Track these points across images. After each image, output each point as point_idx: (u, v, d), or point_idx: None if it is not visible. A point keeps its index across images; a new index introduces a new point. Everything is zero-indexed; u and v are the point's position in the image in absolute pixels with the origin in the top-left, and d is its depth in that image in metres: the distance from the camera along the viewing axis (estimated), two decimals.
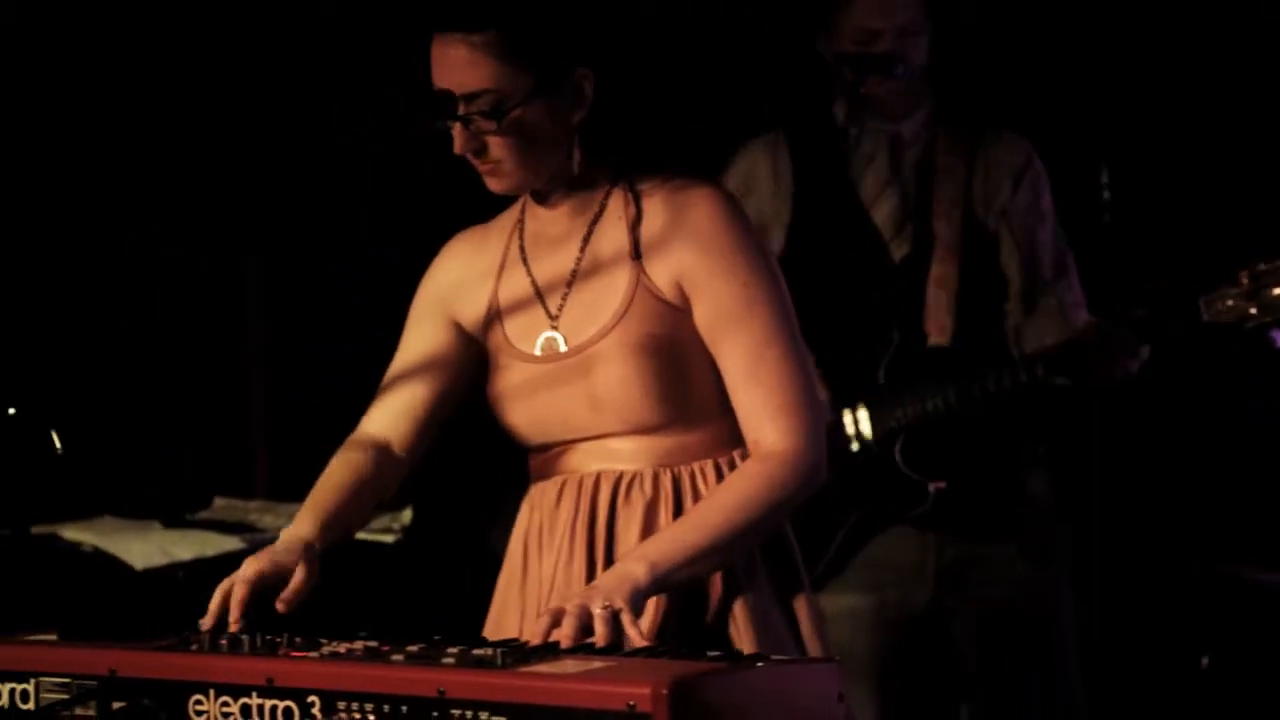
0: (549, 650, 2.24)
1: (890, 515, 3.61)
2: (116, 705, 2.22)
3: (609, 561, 2.51)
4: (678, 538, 2.44)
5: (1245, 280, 3.39)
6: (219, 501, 4.39)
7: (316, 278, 4.86)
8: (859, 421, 3.60)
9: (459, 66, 2.47)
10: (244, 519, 4.15)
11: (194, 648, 2.26)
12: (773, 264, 2.55)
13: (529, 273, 2.61)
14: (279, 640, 2.27)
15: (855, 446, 3.60)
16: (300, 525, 2.54)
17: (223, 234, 4.74)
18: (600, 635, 2.29)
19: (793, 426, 2.49)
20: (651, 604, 2.45)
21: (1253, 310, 3.39)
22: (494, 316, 2.62)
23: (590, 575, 2.51)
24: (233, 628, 2.39)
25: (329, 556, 2.54)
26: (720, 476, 2.53)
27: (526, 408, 2.58)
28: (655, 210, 2.54)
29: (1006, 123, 3.75)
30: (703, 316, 2.52)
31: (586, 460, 2.56)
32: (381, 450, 2.64)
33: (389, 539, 4.04)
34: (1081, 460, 3.75)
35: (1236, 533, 4.24)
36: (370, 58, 4.64)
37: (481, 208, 2.70)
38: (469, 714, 2.04)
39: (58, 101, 4.39)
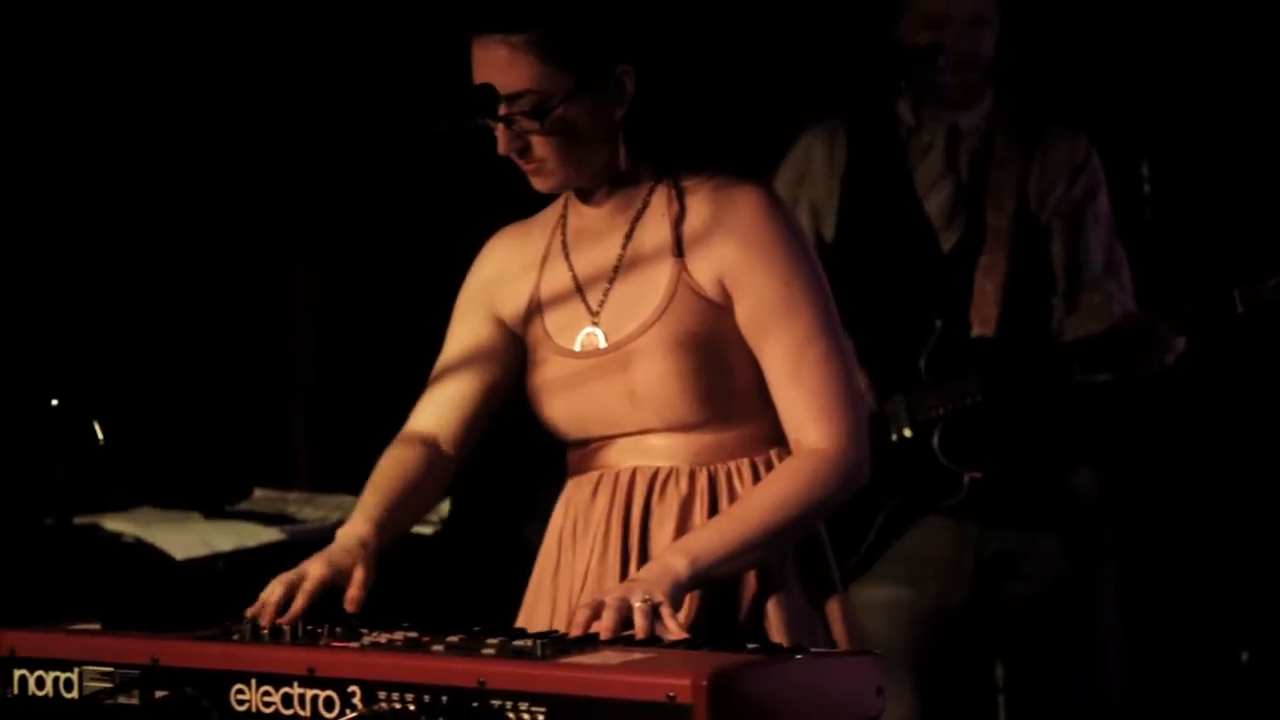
0: (588, 641, 2.24)
1: (925, 505, 3.60)
2: (159, 694, 2.24)
3: (643, 557, 2.52)
4: (719, 533, 2.44)
5: None
6: (258, 493, 4.41)
7: (355, 275, 4.87)
8: (898, 410, 3.60)
9: (499, 67, 2.47)
10: (283, 510, 4.17)
11: (236, 637, 2.28)
12: (815, 262, 2.55)
13: (570, 268, 2.61)
14: (320, 630, 2.28)
15: (893, 435, 3.60)
16: (356, 526, 2.54)
17: (273, 233, 4.76)
18: (640, 628, 2.29)
19: (835, 426, 2.48)
20: (685, 599, 2.45)
21: None
22: (534, 311, 2.63)
23: (624, 570, 2.52)
24: (290, 617, 2.40)
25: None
26: (756, 475, 2.53)
27: (565, 402, 2.59)
28: (699, 207, 2.54)
29: (1050, 117, 3.74)
30: (744, 315, 2.52)
31: (623, 456, 2.57)
32: (431, 447, 2.65)
33: (428, 531, 4.05)
34: (1124, 455, 3.74)
35: (1276, 526, 4.22)
36: (370, 58, 4.65)
37: (481, 207, 2.71)
38: (509, 704, 2.04)
39: (58, 101, 4.39)
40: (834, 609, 2.56)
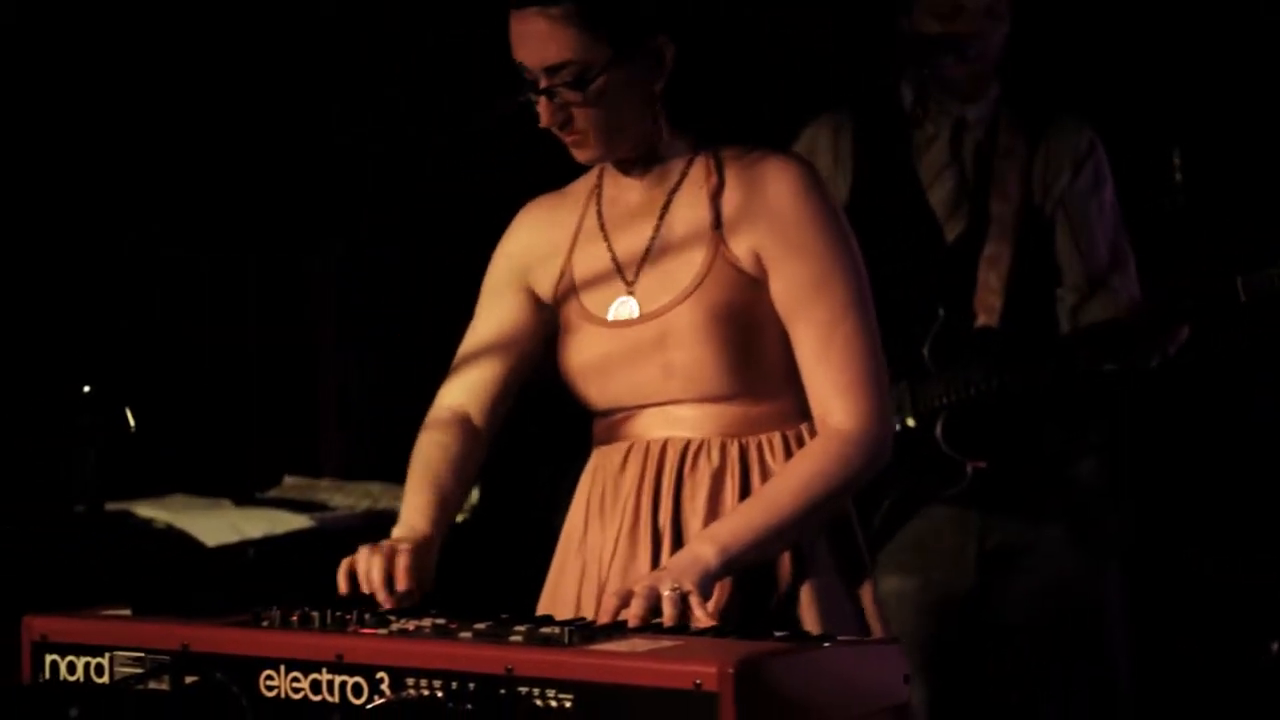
0: (616, 629, 2.25)
1: (927, 494, 3.60)
2: (189, 679, 2.25)
3: (674, 529, 2.52)
4: (747, 519, 2.44)
5: None
6: (288, 480, 4.43)
7: (384, 268, 4.89)
8: (901, 399, 3.60)
9: (539, 40, 2.48)
10: (313, 497, 4.18)
11: (265, 624, 2.28)
12: (851, 240, 2.55)
13: (606, 239, 2.61)
14: (349, 617, 2.29)
15: (896, 424, 3.60)
16: (412, 518, 2.57)
17: (297, 228, 4.77)
18: (668, 617, 2.29)
19: (860, 404, 2.49)
20: (717, 585, 2.45)
21: None
22: (568, 281, 2.63)
23: (655, 543, 2.52)
24: (397, 589, 2.42)
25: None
26: (787, 449, 2.53)
27: (596, 372, 2.59)
28: (737, 181, 2.55)
29: (1079, 107, 3.73)
30: (778, 290, 2.52)
31: (653, 426, 2.57)
32: (465, 425, 2.65)
33: (457, 518, 4.05)
34: (1131, 445, 3.73)
35: None
36: (370, 58, 4.65)
37: (481, 208, 2.71)
38: (536, 691, 2.05)
39: (58, 101, 4.40)
40: (866, 592, 2.57)
